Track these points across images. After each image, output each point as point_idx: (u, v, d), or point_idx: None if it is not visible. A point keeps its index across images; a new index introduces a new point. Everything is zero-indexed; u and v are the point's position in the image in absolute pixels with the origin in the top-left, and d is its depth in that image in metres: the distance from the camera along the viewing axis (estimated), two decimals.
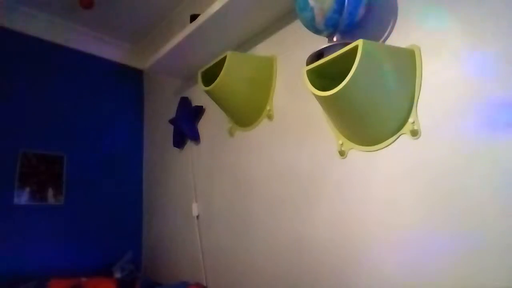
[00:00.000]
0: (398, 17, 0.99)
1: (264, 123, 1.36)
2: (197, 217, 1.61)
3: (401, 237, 0.91)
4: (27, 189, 1.63)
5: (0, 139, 1.60)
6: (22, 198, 1.61)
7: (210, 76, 1.32)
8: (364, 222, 0.99)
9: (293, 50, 1.28)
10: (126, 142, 2.07)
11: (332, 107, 0.96)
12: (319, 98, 0.93)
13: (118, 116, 2.07)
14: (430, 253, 0.85)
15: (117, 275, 1.68)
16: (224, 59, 1.26)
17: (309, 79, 0.95)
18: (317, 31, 0.99)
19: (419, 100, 0.92)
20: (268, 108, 1.34)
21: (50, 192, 1.70)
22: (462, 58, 0.86)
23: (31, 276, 1.44)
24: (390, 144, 0.96)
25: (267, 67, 1.35)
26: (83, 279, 1.44)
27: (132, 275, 1.72)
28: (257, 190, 1.34)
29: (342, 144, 1.07)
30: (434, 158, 0.88)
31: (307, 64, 0.98)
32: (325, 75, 0.95)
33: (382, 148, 0.98)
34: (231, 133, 1.49)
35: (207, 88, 1.31)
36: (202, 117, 1.68)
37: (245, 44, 1.47)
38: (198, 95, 1.69)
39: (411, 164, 0.92)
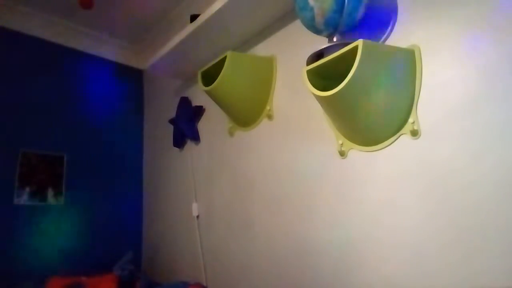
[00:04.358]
0: (398, 17, 1.00)
1: (264, 123, 1.36)
2: (197, 217, 1.61)
3: (400, 237, 0.91)
4: (27, 189, 1.63)
5: (0, 139, 1.60)
6: (22, 198, 1.61)
7: (210, 76, 1.32)
8: (364, 222, 0.99)
9: (293, 50, 1.28)
10: (126, 142, 2.07)
11: (332, 107, 0.96)
12: (319, 98, 0.93)
13: (118, 116, 2.06)
14: (430, 254, 0.85)
15: (117, 273, 1.68)
16: (224, 59, 1.26)
17: (309, 79, 0.95)
18: (317, 31, 0.99)
19: (419, 100, 0.92)
20: (268, 108, 1.34)
21: (50, 192, 1.70)
22: (462, 58, 0.86)
23: (31, 276, 1.44)
24: (390, 144, 0.96)
25: (267, 67, 1.35)
26: (84, 278, 1.44)
27: (132, 275, 1.71)
28: (257, 190, 1.34)
29: (342, 144, 1.07)
30: (434, 158, 0.88)
31: (307, 64, 0.98)
32: (325, 75, 0.95)
33: (382, 148, 0.98)
34: (231, 133, 1.49)
35: (207, 88, 1.31)
36: (202, 117, 1.68)
37: (245, 44, 1.47)
38: (198, 95, 1.69)
39: (411, 164, 0.92)
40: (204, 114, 1.67)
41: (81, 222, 1.75)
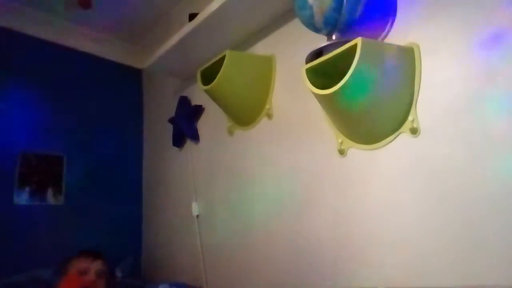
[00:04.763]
0: (397, 15, 0.99)
1: (263, 122, 1.36)
2: (197, 216, 1.61)
3: (400, 235, 0.91)
4: (27, 189, 1.63)
5: (0, 139, 1.60)
6: (22, 198, 1.61)
7: (209, 75, 1.32)
8: (364, 221, 0.99)
9: (292, 49, 1.28)
10: (125, 142, 2.07)
11: (331, 105, 0.96)
12: (318, 96, 0.93)
13: (118, 115, 2.06)
14: (429, 252, 0.85)
15: (118, 274, 1.70)
16: (223, 58, 1.26)
17: (308, 77, 0.94)
18: (316, 29, 0.98)
19: (418, 98, 0.92)
20: (267, 107, 1.34)
21: (50, 192, 1.70)
22: (461, 56, 0.85)
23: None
24: (390, 142, 0.96)
25: (266, 66, 1.34)
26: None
27: (133, 277, 1.72)
28: (257, 189, 1.33)
29: (341, 143, 1.07)
30: (433, 156, 0.87)
31: (306, 63, 0.98)
32: (324, 73, 0.95)
33: (381, 147, 0.98)
34: (230, 132, 1.49)
35: (206, 87, 1.30)
36: (202, 116, 1.68)
37: (244, 43, 1.47)
38: (198, 94, 1.69)
39: (410, 162, 0.92)
40: (204, 113, 1.67)
41: (81, 222, 1.75)
